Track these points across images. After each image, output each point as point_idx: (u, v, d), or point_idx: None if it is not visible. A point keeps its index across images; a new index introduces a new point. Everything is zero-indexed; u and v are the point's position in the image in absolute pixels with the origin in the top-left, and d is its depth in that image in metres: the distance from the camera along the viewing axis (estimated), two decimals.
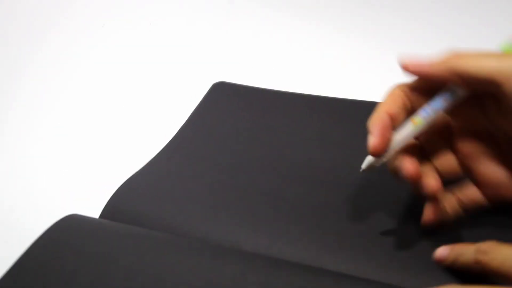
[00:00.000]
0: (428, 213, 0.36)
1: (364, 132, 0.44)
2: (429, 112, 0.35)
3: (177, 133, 0.49)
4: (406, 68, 0.35)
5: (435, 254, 0.35)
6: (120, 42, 0.65)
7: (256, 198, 0.41)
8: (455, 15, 0.61)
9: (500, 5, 0.60)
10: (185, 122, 0.51)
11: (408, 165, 0.34)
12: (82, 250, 0.35)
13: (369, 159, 0.35)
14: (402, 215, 0.39)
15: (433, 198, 0.35)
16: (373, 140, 0.34)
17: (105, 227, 0.38)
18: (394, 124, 0.35)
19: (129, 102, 0.56)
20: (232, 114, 0.51)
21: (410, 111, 0.35)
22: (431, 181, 0.34)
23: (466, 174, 0.36)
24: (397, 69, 0.40)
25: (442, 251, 0.35)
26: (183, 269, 0.34)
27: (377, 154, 0.34)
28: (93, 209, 0.42)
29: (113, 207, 0.41)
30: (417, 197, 0.37)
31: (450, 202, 0.36)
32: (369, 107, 0.36)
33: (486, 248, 0.32)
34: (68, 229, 0.37)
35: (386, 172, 0.42)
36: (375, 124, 0.34)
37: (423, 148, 0.36)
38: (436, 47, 0.56)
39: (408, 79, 0.35)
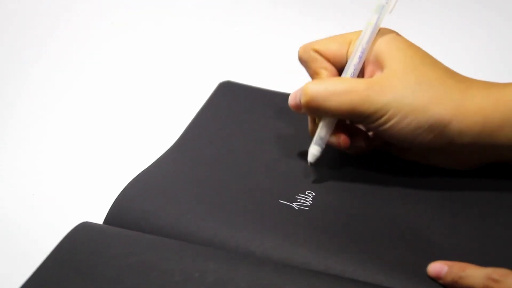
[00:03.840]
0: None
1: None
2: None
3: (183, 133, 0.49)
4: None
5: (429, 270, 0.35)
6: (127, 39, 0.64)
7: (262, 199, 0.42)
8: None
9: None
10: (192, 122, 0.50)
11: (343, 140, 0.42)
12: (98, 268, 0.35)
13: (312, 150, 0.42)
14: (411, 219, 0.40)
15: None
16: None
17: (117, 237, 0.38)
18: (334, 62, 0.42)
19: (135, 100, 0.56)
20: (238, 115, 0.51)
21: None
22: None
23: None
24: None
25: (438, 267, 0.35)
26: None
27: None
28: (99, 209, 0.42)
29: (119, 207, 0.41)
30: (427, 200, 0.41)
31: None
32: None
33: (499, 276, 0.32)
34: (82, 243, 0.37)
35: (394, 174, 0.43)
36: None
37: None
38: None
39: None
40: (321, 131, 0.41)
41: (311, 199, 0.42)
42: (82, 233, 0.38)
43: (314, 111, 0.41)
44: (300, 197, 0.42)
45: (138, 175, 0.44)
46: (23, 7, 0.69)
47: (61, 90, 0.57)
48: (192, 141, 0.48)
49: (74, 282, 0.34)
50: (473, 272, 0.34)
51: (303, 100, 0.39)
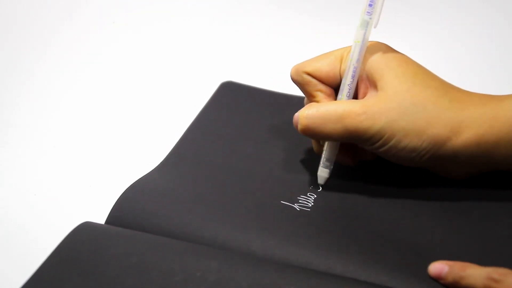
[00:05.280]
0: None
1: None
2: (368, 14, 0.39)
3: (184, 133, 0.49)
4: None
5: (430, 270, 0.35)
6: (129, 39, 0.64)
7: (264, 200, 0.42)
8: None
9: None
10: (193, 122, 0.50)
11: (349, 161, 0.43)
12: (100, 268, 0.35)
13: (321, 173, 0.42)
14: (412, 219, 0.40)
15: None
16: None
17: (118, 236, 0.38)
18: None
19: (137, 100, 0.56)
20: (240, 116, 0.51)
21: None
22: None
23: None
24: None
25: (439, 267, 0.35)
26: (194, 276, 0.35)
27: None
28: (101, 209, 0.42)
29: (121, 207, 0.41)
30: (428, 201, 0.41)
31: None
32: None
33: (499, 276, 0.32)
34: (83, 242, 0.37)
35: (395, 175, 0.43)
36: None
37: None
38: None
39: None
40: (327, 153, 0.42)
41: (312, 200, 0.42)
42: (84, 233, 0.38)
43: (312, 137, 0.42)
44: (301, 198, 0.42)
45: (141, 177, 0.44)
46: (24, 6, 0.69)
47: (62, 90, 0.57)
48: (194, 141, 0.48)
49: (75, 282, 0.35)
50: (473, 272, 0.34)
51: (299, 128, 0.40)
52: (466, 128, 0.38)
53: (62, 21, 0.67)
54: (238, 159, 0.46)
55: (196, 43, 0.63)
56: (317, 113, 0.39)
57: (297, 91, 0.52)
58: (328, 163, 0.42)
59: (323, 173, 0.42)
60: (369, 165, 0.44)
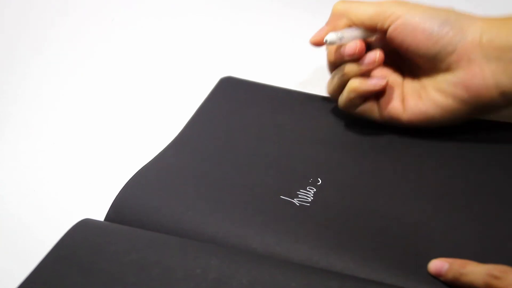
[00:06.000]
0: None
1: (372, 135, 0.45)
2: None
3: (183, 128, 0.49)
4: (314, 44, 0.46)
5: (430, 267, 0.35)
6: (128, 36, 0.64)
7: (264, 196, 0.42)
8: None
9: None
10: (192, 117, 0.50)
11: (352, 43, 0.43)
12: (99, 266, 0.35)
13: (329, 35, 0.44)
14: (412, 216, 0.40)
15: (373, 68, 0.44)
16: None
17: (118, 233, 0.38)
18: None
19: (136, 96, 0.56)
20: (239, 111, 0.51)
21: None
22: (374, 54, 0.43)
23: None
24: None
25: (439, 265, 0.35)
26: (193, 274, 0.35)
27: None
28: (100, 206, 0.42)
29: (121, 204, 0.41)
30: (428, 198, 0.41)
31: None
32: None
33: (499, 273, 0.32)
34: (83, 239, 0.37)
35: (395, 171, 0.43)
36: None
37: None
38: None
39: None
40: (344, 32, 0.44)
41: (312, 195, 0.42)
42: (83, 229, 0.38)
43: (343, 14, 0.45)
44: (301, 193, 0.42)
45: (138, 171, 0.44)
46: (22, 4, 0.69)
47: (62, 86, 0.57)
48: (193, 136, 0.48)
49: (75, 279, 0.35)
50: (473, 269, 0.34)
51: (334, 6, 0.45)
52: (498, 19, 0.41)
53: (61, 18, 0.67)
54: (238, 154, 0.46)
55: (195, 38, 0.63)
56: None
57: (296, 86, 0.53)
58: (338, 36, 0.43)
59: (331, 35, 0.44)
60: (369, 161, 0.44)
